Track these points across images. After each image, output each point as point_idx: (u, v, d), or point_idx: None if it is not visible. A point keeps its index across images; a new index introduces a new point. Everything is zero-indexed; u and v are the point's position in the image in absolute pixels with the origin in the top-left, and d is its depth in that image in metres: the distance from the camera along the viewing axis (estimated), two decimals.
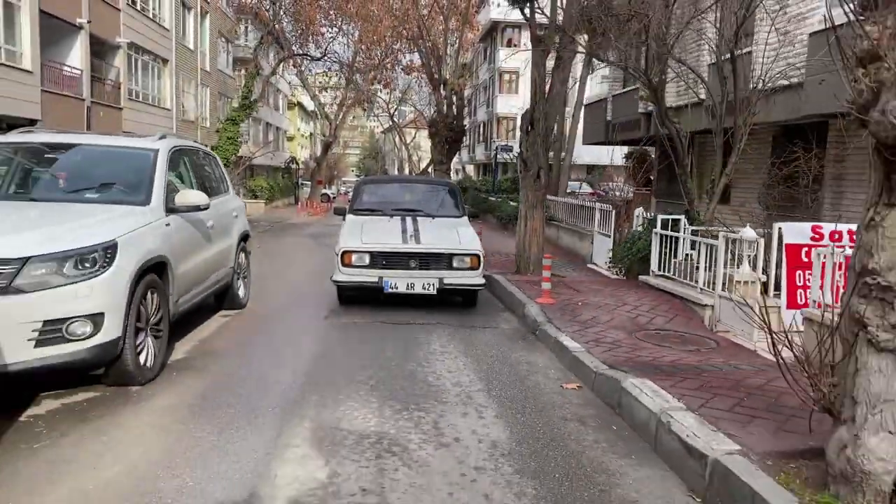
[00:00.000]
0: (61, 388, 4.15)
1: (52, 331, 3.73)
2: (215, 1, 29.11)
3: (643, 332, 5.79)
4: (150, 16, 23.08)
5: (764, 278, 6.43)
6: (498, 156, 29.28)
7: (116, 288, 4.04)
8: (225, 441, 3.47)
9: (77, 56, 18.37)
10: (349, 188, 41.59)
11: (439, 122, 18.30)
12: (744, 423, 3.43)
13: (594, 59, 17.39)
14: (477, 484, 3.08)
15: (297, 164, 39.93)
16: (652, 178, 19.48)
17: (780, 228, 6.50)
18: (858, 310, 2.56)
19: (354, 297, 7.39)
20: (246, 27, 33.88)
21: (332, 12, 23.66)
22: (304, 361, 5.08)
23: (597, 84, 20.47)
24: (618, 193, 19.23)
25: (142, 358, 4.36)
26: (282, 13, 24.71)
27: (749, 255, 6.45)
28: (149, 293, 4.46)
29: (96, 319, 3.89)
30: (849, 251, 5.42)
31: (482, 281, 7.30)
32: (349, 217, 8.33)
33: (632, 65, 9.77)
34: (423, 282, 7.02)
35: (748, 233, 6.49)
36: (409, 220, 7.88)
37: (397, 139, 41.33)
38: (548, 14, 9.94)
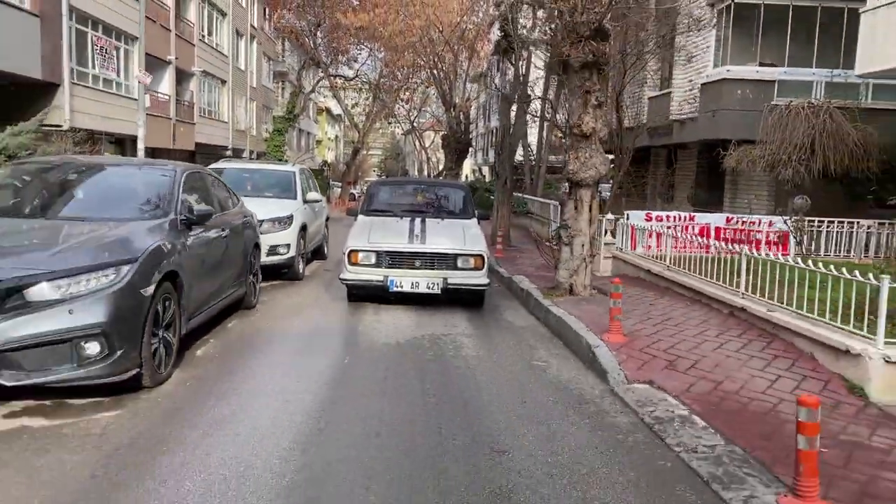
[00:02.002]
0: (269, 280, 9.89)
1: (272, 250, 9.47)
2: (261, 27, 35.23)
3: (543, 268, 11.44)
4: (214, 46, 29.16)
5: (616, 240, 12.02)
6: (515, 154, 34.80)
7: (293, 234, 9.81)
8: (343, 297, 9.21)
9: (166, 85, 24.43)
10: None
11: (450, 137, 23.94)
12: (545, 283, 9.10)
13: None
14: (444, 306, 8.79)
15: (329, 167, 46.02)
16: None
17: (627, 214, 12.09)
18: (561, 232, 8.26)
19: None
20: (283, 45, 39.96)
21: (363, 41, 29.47)
22: None
23: None
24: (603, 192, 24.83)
25: (299, 268, 10.12)
26: (319, 39, 30.71)
27: (610, 229, 12.03)
28: (301, 238, 10.23)
29: (288, 246, 9.66)
30: (646, 224, 11.05)
31: (486, 281, 7.93)
32: (360, 217, 9.09)
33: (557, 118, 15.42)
34: (427, 281, 7.69)
35: (609, 216, 12.08)
36: (417, 221, 8.55)
37: (417, 143, 47.12)
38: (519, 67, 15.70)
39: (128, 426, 4.08)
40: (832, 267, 5.58)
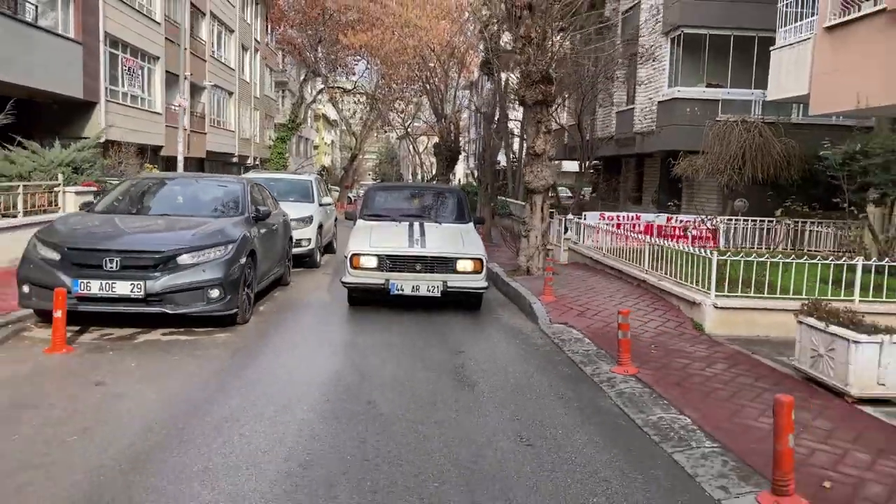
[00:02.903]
0: (296, 268, 12.67)
1: (297, 242, 12.25)
2: (264, 41, 38.04)
3: (514, 258, 14.24)
4: (222, 60, 31.96)
5: (571, 235, 14.81)
6: (495, 163, 37.73)
7: (313, 230, 12.61)
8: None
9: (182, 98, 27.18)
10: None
11: (441, 145, 26.77)
12: (511, 269, 11.91)
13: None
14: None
15: (327, 172, 48.84)
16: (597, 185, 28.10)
17: (585, 215, 14.92)
18: (522, 229, 11.09)
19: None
20: (284, 56, 42.78)
21: (361, 55, 32.31)
22: None
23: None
24: (585, 196, 27.76)
25: (317, 258, 12.92)
26: (320, 53, 33.55)
27: (571, 227, 14.84)
28: (318, 234, 13.02)
29: (308, 239, 12.45)
30: (593, 223, 13.88)
31: (485, 284, 8.27)
32: (359, 222, 9.48)
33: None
34: (427, 284, 7.95)
35: (570, 217, 14.91)
36: (416, 225, 8.85)
37: (411, 147, 49.96)
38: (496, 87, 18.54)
39: (237, 340, 6.87)
40: (709, 251, 8.39)
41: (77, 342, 6.42)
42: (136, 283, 6.53)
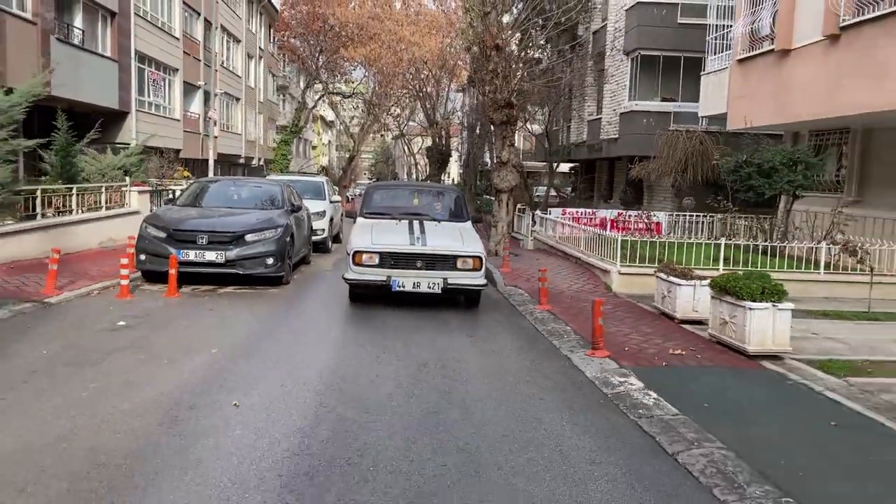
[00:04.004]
0: (314, 252, 16.12)
1: (316, 231, 15.70)
2: (267, 48, 41.51)
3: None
4: (230, 69, 35.40)
5: (541, 229, 18.30)
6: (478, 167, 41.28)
7: (326, 222, 16.10)
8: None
9: (197, 105, 30.64)
10: (362, 191, 53.39)
11: (433, 149, 30.30)
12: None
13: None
14: None
15: (325, 172, 52.29)
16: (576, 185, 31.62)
17: (550, 210, 18.42)
18: (491, 220, 14.57)
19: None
20: (284, 62, 46.24)
21: (359, 62, 35.78)
22: None
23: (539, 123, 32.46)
24: (567, 195, 31.28)
25: (329, 245, 16.40)
26: (321, 62, 37.01)
27: (539, 220, 18.31)
28: (330, 225, 16.50)
29: (323, 229, 15.93)
30: (554, 217, 17.40)
31: (484, 281, 8.68)
32: (360, 220, 9.98)
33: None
34: (428, 281, 8.33)
35: (538, 213, 18.40)
36: (416, 223, 9.22)
37: (406, 148, 53.45)
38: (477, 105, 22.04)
39: (284, 293, 10.33)
40: (617, 235, 11.84)
41: (180, 292, 9.87)
42: (218, 252, 10.00)
